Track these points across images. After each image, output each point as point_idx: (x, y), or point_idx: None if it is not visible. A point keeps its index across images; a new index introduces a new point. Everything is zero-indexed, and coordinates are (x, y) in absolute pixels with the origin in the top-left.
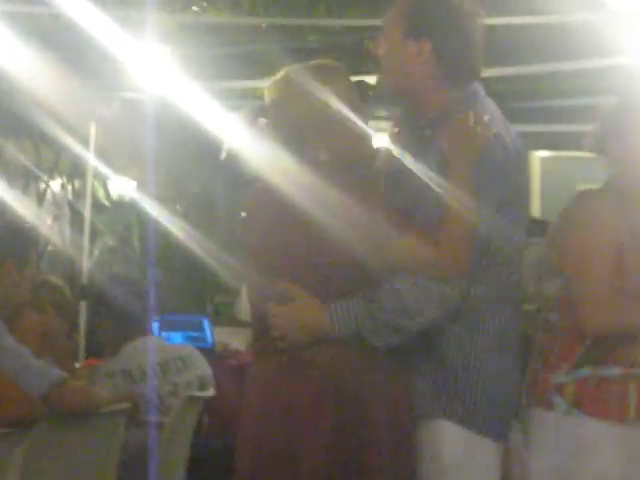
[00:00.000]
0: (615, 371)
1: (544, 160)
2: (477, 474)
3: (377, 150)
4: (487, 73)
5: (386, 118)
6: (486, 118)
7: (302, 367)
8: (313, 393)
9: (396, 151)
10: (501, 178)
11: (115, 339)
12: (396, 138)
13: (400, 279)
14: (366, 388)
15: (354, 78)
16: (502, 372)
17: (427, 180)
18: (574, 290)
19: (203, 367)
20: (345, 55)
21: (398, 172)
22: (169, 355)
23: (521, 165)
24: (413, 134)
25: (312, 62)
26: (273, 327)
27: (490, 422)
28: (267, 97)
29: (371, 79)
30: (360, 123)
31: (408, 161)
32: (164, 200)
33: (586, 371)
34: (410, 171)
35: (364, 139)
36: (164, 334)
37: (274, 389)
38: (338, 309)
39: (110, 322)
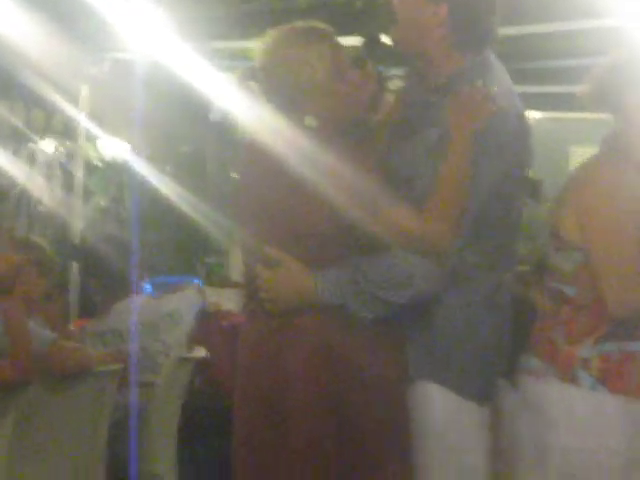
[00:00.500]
0: None
1: (536, 121)
2: (461, 436)
3: (370, 114)
4: None
5: (396, 77)
6: (494, 90)
7: (293, 331)
8: (304, 358)
9: (400, 115)
10: (503, 152)
11: (106, 299)
12: (402, 100)
13: (389, 251)
14: (357, 353)
15: (352, 38)
16: (490, 337)
17: (425, 150)
18: (600, 267)
19: (190, 317)
20: (335, 15)
21: (400, 137)
22: (158, 313)
23: (524, 134)
24: (420, 98)
25: (298, 24)
26: (261, 290)
27: (476, 386)
28: (256, 61)
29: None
30: (349, 87)
31: (409, 127)
32: (155, 160)
33: (610, 346)
34: (411, 138)
35: (353, 103)
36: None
37: (265, 352)
38: (324, 278)
39: (100, 282)
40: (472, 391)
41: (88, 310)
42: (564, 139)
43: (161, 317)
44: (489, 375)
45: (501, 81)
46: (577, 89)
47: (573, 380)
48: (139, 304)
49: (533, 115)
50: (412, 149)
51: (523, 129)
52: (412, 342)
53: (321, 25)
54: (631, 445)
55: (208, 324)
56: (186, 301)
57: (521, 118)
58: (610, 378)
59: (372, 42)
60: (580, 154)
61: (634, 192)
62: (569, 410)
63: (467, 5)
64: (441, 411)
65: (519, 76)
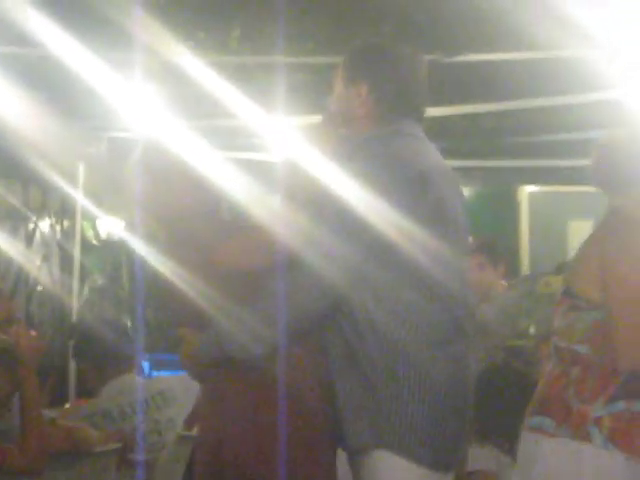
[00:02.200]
0: None
1: (532, 195)
2: None
3: None
4: (476, 109)
5: None
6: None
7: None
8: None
9: None
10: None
11: (97, 380)
12: None
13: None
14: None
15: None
16: (436, 404)
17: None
18: (622, 325)
19: (187, 398)
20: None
21: None
22: (149, 392)
23: (423, 197)
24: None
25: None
26: None
27: (425, 451)
28: None
29: None
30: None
31: None
32: (153, 238)
33: (620, 405)
34: None
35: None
36: (155, 373)
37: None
38: (202, 338)
39: (91, 363)
40: (420, 455)
41: (85, 390)
42: (562, 213)
43: (152, 396)
44: (438, 440)
45: (413, 149)
46: (574, 163)
47: (585, 438)
48: (130, 383)
49: (529, 189)
50: None
51: (424, 185)
52: (356, 411)
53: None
54: None
55: None
56: (183, 381)
57: (423, 187)
58: (619, 437)
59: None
60: (578, 228)
61: None
62: (581, 467)
63: (385, 81)
64: (391, 476)
65: (515, 150)
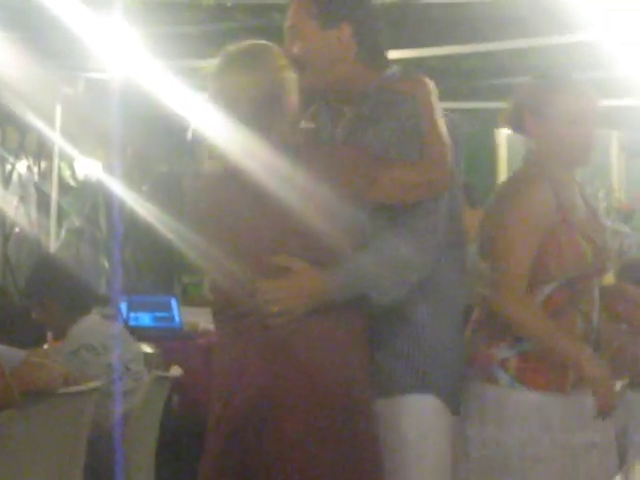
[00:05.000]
0: None
1: (510, 137)
2: (439, 444)
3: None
4: (454, 50)
5: None
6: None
7: (256, 332)
8: (263, 356)
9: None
10: None
11: (66, 319)
12: (312, 135)
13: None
14: (317, 356)
15: None
16: (454, 344)
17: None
18: (494, 270)
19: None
20: None
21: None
22: (117, 328)
23: None
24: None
25: (244, 44)
26: (268, 303)
27: (453, 396)
28: (211, 84)
29: None
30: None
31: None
32: (130, 180)
33: (527, 344)
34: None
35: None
36: (132, 314)
37: (230, 352)
38: (339, 272)
39: (57, 304)
40: (449, 398)
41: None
42: None
43: (119, 332)
44: (458, 383)
45: None
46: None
47: (491, 380)
48: (96, 322)
49: (507, 131)
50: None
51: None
52: (393, 354)
53: (266, 43)
54: (542, 438)
55: (185, 343)
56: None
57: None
58: (528, 375)
59: None
60: None
61: (538, 206)
62: (486, 406)
63: (366, 22)
64: (421, 419)
65: (494, 92)
